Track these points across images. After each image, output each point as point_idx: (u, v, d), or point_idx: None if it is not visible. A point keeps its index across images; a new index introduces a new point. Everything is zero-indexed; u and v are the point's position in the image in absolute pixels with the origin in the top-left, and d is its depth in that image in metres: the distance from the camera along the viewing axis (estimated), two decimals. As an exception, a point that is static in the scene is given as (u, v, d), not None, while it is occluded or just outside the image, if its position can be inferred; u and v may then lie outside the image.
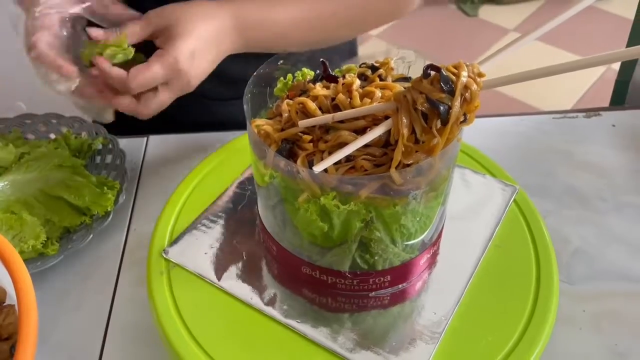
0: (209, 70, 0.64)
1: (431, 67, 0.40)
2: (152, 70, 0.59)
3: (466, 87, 0.39)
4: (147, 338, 0.54)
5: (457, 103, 0.38)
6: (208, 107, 0.85)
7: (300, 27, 0.69)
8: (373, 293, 0.49)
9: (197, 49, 0.61)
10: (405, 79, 0.48)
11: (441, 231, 0.51)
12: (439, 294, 0.50)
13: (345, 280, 0.47)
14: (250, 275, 0.52)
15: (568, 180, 0.69)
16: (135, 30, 0.62)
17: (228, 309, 0.50)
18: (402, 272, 0.48)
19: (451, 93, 0.39)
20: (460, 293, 0.50)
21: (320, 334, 0.47)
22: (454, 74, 0.39)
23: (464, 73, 0.39)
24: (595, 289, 0.58)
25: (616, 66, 1.18)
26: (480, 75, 0.40)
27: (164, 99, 0.62)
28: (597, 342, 0.53)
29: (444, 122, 0.39)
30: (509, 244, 0.55)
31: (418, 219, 0.44)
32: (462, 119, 0.40)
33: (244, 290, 0.51)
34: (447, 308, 0.49)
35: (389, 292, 0.49)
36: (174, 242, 0.55)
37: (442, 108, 0.39)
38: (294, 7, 0.68)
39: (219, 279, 0.52)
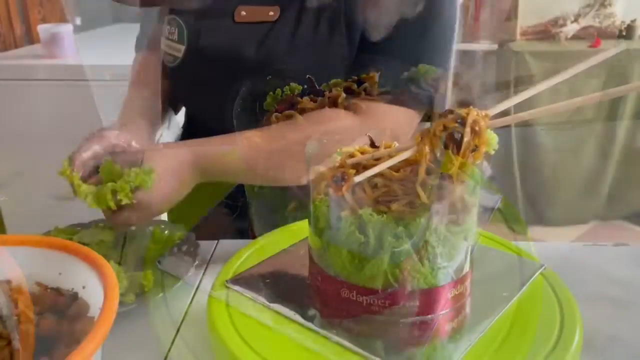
0: (173, 197, 0.78)
1: (448, 110, 0.52)
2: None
3: (475, 122, 0.50)
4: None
5: (467, 130, 0.50)
6: None
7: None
8: (402, 320, 0.54)
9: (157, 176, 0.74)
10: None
11: (467, 274, 0.57)
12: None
13: (378, 300, 0.53)
14: (293, 296, 0.60)
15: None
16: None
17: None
18: (429, 297, 0.54)
19: (463, 125, 0.50)
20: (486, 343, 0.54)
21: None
22: (465, 113, 0.51)
23: (473, 112, 0.51)
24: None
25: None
26: (486, 115, 0.51)
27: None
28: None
29: (458, 147, 0.50)
30: (535, 309, 0.59)
31: (442, 238, 0.52)
32: (473, 147, 0.50)
33: (291, 316, 0.57)
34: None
35: (418, 320, 0.54)
36: (236, 276, 0.64)
37: (455, 134, 0.50)
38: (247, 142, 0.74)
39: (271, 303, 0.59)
